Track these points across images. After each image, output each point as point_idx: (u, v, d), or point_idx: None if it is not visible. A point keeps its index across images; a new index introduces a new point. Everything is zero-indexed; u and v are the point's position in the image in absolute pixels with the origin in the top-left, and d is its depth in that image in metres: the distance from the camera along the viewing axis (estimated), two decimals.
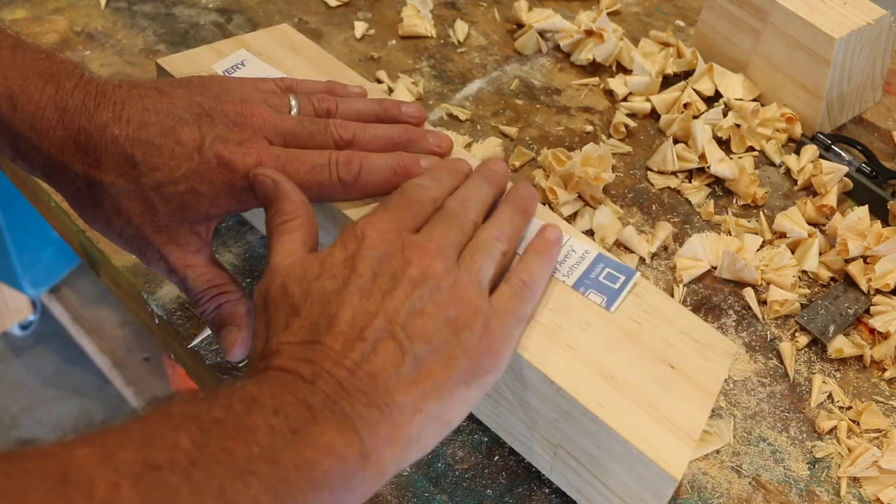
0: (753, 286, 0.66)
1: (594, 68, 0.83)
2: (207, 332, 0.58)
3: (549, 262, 0.48)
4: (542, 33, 0.85)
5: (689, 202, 0.72)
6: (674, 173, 0.74)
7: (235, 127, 0.49)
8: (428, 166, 0.53)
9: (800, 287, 0.66)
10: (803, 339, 0.63)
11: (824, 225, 0.70)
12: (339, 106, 0.54)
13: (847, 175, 0.73)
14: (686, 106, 0.78)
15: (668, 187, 0.73)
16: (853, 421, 0.59)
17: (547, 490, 0.52)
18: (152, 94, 0.49)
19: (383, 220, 0.44)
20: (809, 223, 0.70)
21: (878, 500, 0.55)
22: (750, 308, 0.65)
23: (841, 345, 0.62)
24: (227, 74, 0.60)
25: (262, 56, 0.62)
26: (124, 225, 0.49)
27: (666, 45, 0.85)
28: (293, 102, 0.53)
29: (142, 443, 0.32)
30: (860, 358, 0.62)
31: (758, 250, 0.67)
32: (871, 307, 0.64)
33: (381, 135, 0.53)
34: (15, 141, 0.48)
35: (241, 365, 0.57)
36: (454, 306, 0.41)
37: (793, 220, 0.69)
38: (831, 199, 0.71)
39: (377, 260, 0.42)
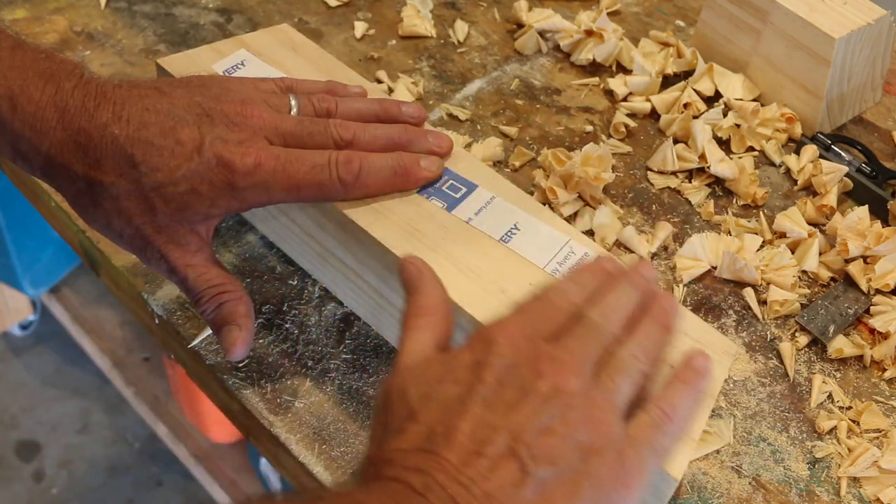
0: (753, 286, 0.66)
1: (594, 68, 0.83)
2: (207, 332, 0.58)
3: (695, 393, 0.43)
4: (542, 33, 0.85)
5: (689, 202, 0.72)
6: (674, 173, 0.74)
7: (235, 127, 0.49)
8: (427, 166, 0.53)
9: (800, 287, 0.66)
10: (803, 339, 0.63)
11: (824, 225, 0.70)
12: (338, 106, 0.54)
13: (847, 175, 0.73)
14: (686, 106, 0.78)
15: (668, 187, 0.73)
16: (853, 421, 0.59)
17: None
18: (152, 94, 0.49)
19: (516, 326, 0.41)
20: (809, 223, 0.70)
21: (878, 500, 0.55)
22: (750, 308, 0.65)
23: (841, 345, 0.62)
24: (227, 74, 0.60)
25: (262, 56, 0.62)
26: (124, 225, 0.49)
27: (666, 45, 0.85)
28: (293, 102, 0.53)
29: None
30: (860, 358, 0.63)
31: (758, 250, 0.67)
32: (871, 307, 0.64)
33: (380, 135, 0.53)
34: (15, 142, 0.48)
35: (241, 365, 0.57)
36: (586, 429, 0.38)
37: (793, 220, 0.69)
38: (831, 199, 0.71)
39: (505, 369, 0.39)
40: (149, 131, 0.47)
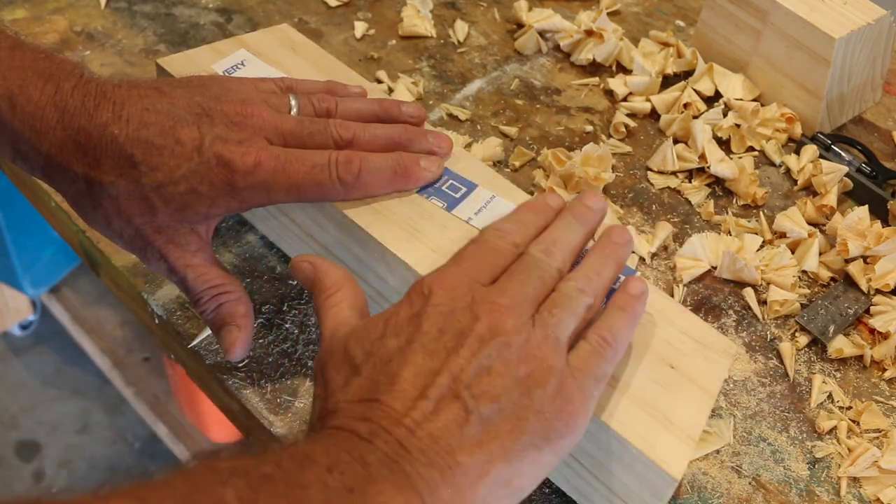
0: (753, 286, 0.66)
1: (594, 68, 0.83)
2: (207, 332, 0.58)
3: (633, 318, 0.44)
4: (542, 33, 0.85)
5: (689, 202, 0.72)
6: (674, 173, 0.74)
7: (235, 127, 0.49)
8: (428, 167, 0.53)
9: (800, 287, 0.66)
10: (803, 339, 0.63)
11: (824, 225, 0.70)
12: (338, 106, 0.54)
13: (847, 175, 0.73)
14: (686, 106, 0.78)
15: (668, 187, 0.73)
16: (853, 421, 0.59)
17: (547, 490, 0.52)
18: (152, 94, 0.49)
19: (452, 276, 0.42)
20: (809, 223, 0.70)
21: (878, 500, 0.55)
22: (750, 308, 0.65)
23: (841, 345, 0.62)
24: (227, 74, 0.60)
25: (262, 56, 0.62)
26: (124, 225, 0.48)
27: (666, 45, 0.85)
28: (293, 102, 0.53)
29: (184, 497, 0.31)
30: (860, 358, 0.63)
31: (758, 250, 0.67)
32: (871, 307, 0.64)
33: (380, 134, 0.53)
34: (15, 142, 0.48)
35: (240, 365, 0.57)
36: (525, 364, 0.39)
37: (793, 220, 0.69)
38: (831, 199, 0.71)
39: (443, 317, 0.40)
40: (149, 131, 0.47)
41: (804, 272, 0.67)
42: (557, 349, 0.40)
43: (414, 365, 0.38)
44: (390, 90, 0.77)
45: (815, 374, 0.61)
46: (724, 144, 0.77)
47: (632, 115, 0.79)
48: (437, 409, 0.37)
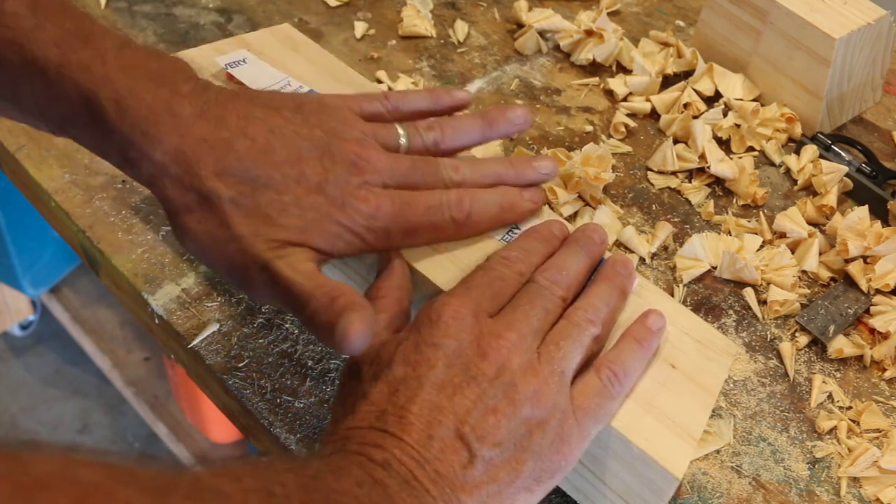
0: (753, 286, 0.66)
1: (594, 68, 0.83)
2: (207, 331, 0.58)
3: (646, 353, 0.44)
4: (542, 33, 0.85)
5: (689, 202, 0.72)
6: (674, 173, 0.74)
7: (355, 169, 0.48)
8: (532, 198, 0.52)
9: (800, 287, 0.66)
10: (803, 339, 0.63)
11: (824, 225, 0.70)
12: (444, 132, 0.53)
13: (847, 175, 0.73)
14: (686, 106, 0.78)
15: (668, 187, 0.73)
16: (853, 421, 0.59)
17: None
18: (274, 116, 0.48)
19: (461, 303, 0.42)
20: (809, 223, 0.70)
21: (878, 500, 0.55)
22: (750, 308, 0.65)
23: (841, 345, 0.62)
24: (229, 69, 0.60)
25: (263, 56, 0.62)
26: (230, 241, 0.45)
27: (666, 45, 0.85)
28: (402, 134, 0.52)
29: (256, 474, 0.33)
30: (860, 358, 0.63)
31: (758, 250, 0.68)
32: (871, 307, 0.64)
33: (489, 173, 0.52)
34: (123, 148, 0.46)
35: (240, 365, 0.57)
36: (531, 404, 0.40)
37: (793, 220, 0.69)
38: (831, 199, 0.71)
39: (452, 352, 0.40)
40: (276, 156, 0.46)
41: (804, 272, 0.67)
42: (562, 386, 0.41)
43: (421, 400, 0.39)
44: (390, 90, 0.77)
45: (815, 374, 0.61)
46: (724, 144, 0.77)
47: (632, 115, 0.79)
48: (444, 449, 0.38)
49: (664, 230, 0.68)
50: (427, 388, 0.39)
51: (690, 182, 0.73)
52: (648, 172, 0.74)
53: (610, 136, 0.77)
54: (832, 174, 0.72)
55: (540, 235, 0.48)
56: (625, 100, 0.80)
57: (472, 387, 0.39)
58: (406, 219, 0.48)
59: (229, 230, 0.45)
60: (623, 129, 0.77)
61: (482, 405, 0.39)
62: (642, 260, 0.67)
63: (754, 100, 0.80)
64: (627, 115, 0.79)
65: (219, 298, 0.60)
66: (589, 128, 0.77)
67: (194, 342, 0.58)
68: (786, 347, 0.62)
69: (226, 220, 0.45)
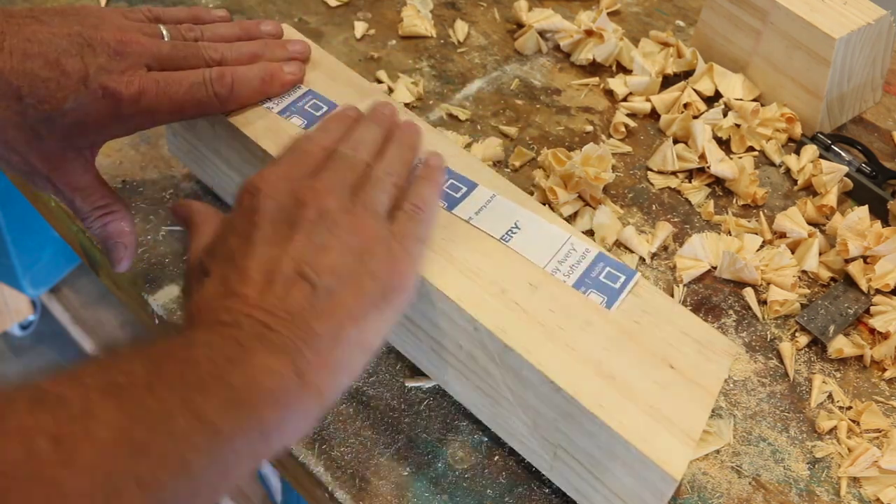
0: (753, 286, 0.66)
1: (594, 68, 0.83)
2: None
3: (436, 186, 0.50)
4: (542, 33, 0.85)
5: (689, 202, 0.72)
6: (674, 173, 0.74)
7: (117, 56, 0.51)
8: (292, 70, 0.58)
9: (800, 287, 0.66)
10: (803, 339, 0.63)
11: (824, 225, 0.70)
12: (204, 33, 0.57)
13: (847, 175, 0.73)
14: (686, 106, 0.78)
15: (668, 187, 0.73)
16: (853, 421, 0.59)
17: (547, 490, 0.52)
18: (32, 24, 0.50)
19: (274, 173, 0.45)
20: (809, 223, 0.70)
21: (878, 500, 0.55)
22: (750, 308, 0.65)
23: (841, 345, 0.62)
24: None
25: None
26: (10, 154, 0.50)
27: (666, 45, 0.85)
28: (164, 31, 0.55)
29: (99, 370, 0.34)
30: (860, 358, 0.63)
31: (758, 250, 0.67)
32: (871, 307, 0.64)
33: (245, 51, 0.57)
34: None
35: None
36: (354, 236, 0.43)
37: (793, 220, 0.69)
38: (831, 199, 0.71)
39: (273, 209, 0.43)
40: (33, 63, 0.48)
41: (804, 272, 0.67)
42: (378, 220, 0.45)
43: (257, 255, 0.42)
44: (390, 90, 0.77)
45: (815, 374, 0.61)
46: (724, 144, 0.77)
47: (632, 115, 0.79)
48: (287, 290, 0.41)
49: (664, 230, 0.68)
50: (259, 245, 0.42)
51: (690, 182, 0.73)
52: (648, 172, 0.74)
53: (610, 136, 0.77)
54: (832, 174, 0.72)
55: (337, 117, 0.52)
56: (625, 100, 0.80)
57: (299, 231, 0.42)
58: (170, 98, 0.52)
59: (6, 146, 0.50)
60: (623, 129, 0.77)
61: (312, 245, 0.42)
62: (642, 260, 0.67)
63: (754, 100, 0.80)
64: (627, 115, 0.79)
65: None
66: (589, 128, 0.77)
67: None
68: (786, 347, 0.62)
69: (1, 138, 0.49)
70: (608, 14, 0.86)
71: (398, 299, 0.44)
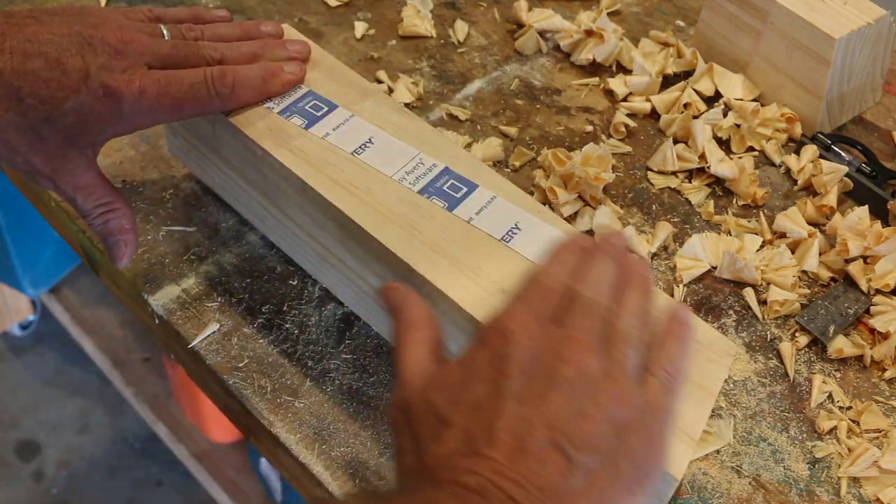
0: (753, 286, 0.66)
1: (594, 68, 0.83)
2: (207, 331, 0.58)
3: (687, 347, 0.45)
4: (542, 33, 0.85)
5: (689, 202, 0.72)
6: (674, 173, 0.74)
7: (118, 55, 0.51)
8: (292, 70, 0.57)
9: (800, 287, 0.66)
10: (803, 339, 0.63)
11: (824, 225, 0.70)
12: (204, 33, 0.57)
13: (847, 175, 0.73)
14: (686, 106, 0.78)
15: (668, 187, 0.73)
16: (853, 421, 0.59)
17: None
18: (31, 24, 0.50)
19: (523, 313, 0.41)
20: (809, 223, 0.70)
21: (878, 500, 0.55)
22: (750, 308, 0.65)
23: (841, 345, 0.62)
24: None
25: None
26: (13, 155, 0.50)
27: (666, 45, 0.85)
28: (164, 30, 0.55)
29: None
30: (860, 358, 0.63)
31: (758, 250, 0.67)
32: (871, 307, 0.64)
33: (245, 51, 0.57)
34: None
35: (240, 365, 0.57)
36: (616, 407, 0.39)
37: (793, 220, 0.69)
38: (831, 199, 0.71)
39: (527, 359, 0.39)
40: (33, 63, 0.48)
41: (804, 272, 0.67)
42: (634, 387, 0.40)
43: (508, 413, 0.37)
44: (390, 90, 0.77)
45: (815, 374, 0.61)
46: (724, 144, 0.77)
47: (632, 115, 0.79)
48: (540, 461, 0.36)
49: (664, 230, 0.68)
50: (510, 401, 0.38)
51: (690, 182, 0.73)
52: (648, 172, 0.74)
53: (610, 136, 0.77)
54: (832, 174, 0.72)
55: (570, 248, 0.47)
56: (625, 100, 0.80)
57: (556, 392, 0.38)
58: (171, 97, 0.52)
59: (8, 146, 0.49)
60: (623, 129, 0.77)
61: (570, 410, 0.37)
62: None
63: (754, 100, 0.80)
64: (627, 115, 0.79)
65: (219, 298, 0.60)
66: (589, 128, 0.77)
67: (194, 342, 0.58)
68: (786, 347, 0.62)
69: (3, 139, 0.49)
70: (608, 14, 0.86)
71: (649, 484, 0.39)
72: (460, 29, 0.85)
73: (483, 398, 0.38)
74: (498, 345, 0.40)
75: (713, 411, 0.58)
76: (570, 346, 0.40)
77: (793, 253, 0.68)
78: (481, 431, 0.37)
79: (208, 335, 0.58)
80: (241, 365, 0.57)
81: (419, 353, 0.43)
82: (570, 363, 0.39)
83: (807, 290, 0.66)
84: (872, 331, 0.64)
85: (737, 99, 0.79)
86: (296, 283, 0.61)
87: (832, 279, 0.67)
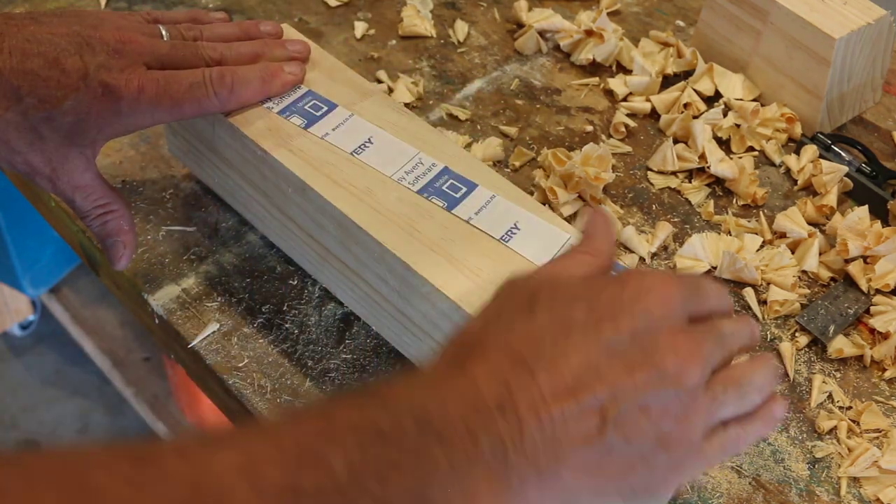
0: (753, 286, 0.66)
1: (594, 68, 0.83)
2: (207, 331, 0.58)
3: (763, 432, 0.43)
4: (542, 33, 0.85)
5: (689, 202, 0.72)
6: (674, 173, 0.74)
7: (116, 54, 0.51)
8: (292, 70, 0.57)
9: (800, 287, 0.66)
10: (803, 339, 0.63)
11: (824, 225, 0.70)
12: (203, 32, 0.57)
13: (847, 175, 0.73)
14: (686, 106, 0.78)
15: (668, 187, 0.73)
16: (853, 421, 0.59)
17: None
18: (30, 25, 0.50)
19: (675, 288, 0.39)
20: (809, 223, 0.70)
21: (878, 500, 0.55)
22: (750, 308, 0.65)
23: (841, 345, 0.62)
24: None
25: None
26: (12, 155, 0.50)
27: (666, 45, 0.85)
28: (163, 31, 0.55)
29: (292, 461, 0.30)
30: (860, 358, 0.62)
31: (758, 250, 0.67)
32: (871, 307, 0.64)
33: (245, 51, 0.57)
34: None
35: (240, 365, 0.57)
36: (675, 424, 0.37)
37: (793, 220, 0.69)
38: (831, 199, 0.71)
39: (645, 329, 0.37)
40: (33, 63, 0.48)
41: (804, 272, 0.67)
42: (705, 425, 0.39)
43: (586, 353, 0.35)
44: (390, 90, 0.77)
45: (815, 374, 0.61)
46: (724, 144, 0.77)
47: (632, 115, 0.79)
48: (578, 416, 0.34)
49: (664, 230, 0.68)
50: (597, 346, 0.35)
51: (690, 182, 0.73)
52: (648, 172, 0.74)
53: (610, 136, 0.77)
54: (832, 174, 0.72)
55: (724, 298, 0.45)
56: (625, 100, 0.80)
57: (644, 374, 0.36)
58: (170, 97, 0.52)
59: (8, 146, 0.49)
60: (623, 129, 0.77)
61: (641, 395, 0.35)
62: (642, 260, 0.67)
63: (754, 100, 0.80)
64: (627, 115, 0.79)
65: (219, 298, 0.60)
66: (589, 128, 0.77)
67: (194, 342, 0.58)
68: (786, 347, 0.62)
69: (2, 139, 0.49)
70: (608, 14, 0.86)
71: (646, 501, 0.38)
72: (460, 29, 0.85)
73: (576, 324, 0.36)
74: (631, 292, 0.37)
75: None
76: (688, 345, 0.37)
77: (793, 253, 0.68)
78: (549, 350, 0.35)
79: (208, 335, 0.58)
80: (240, 365, 0.57)
81: (574, 268, 0.41)
82: (678, 359, 0.37)
83: (807, 290, 0.66)
84: (872, 331, 0.64)
85: (737, 99, 0.79)
86: (296, 282, 0.61)
87: (832, 279, 0.67)
